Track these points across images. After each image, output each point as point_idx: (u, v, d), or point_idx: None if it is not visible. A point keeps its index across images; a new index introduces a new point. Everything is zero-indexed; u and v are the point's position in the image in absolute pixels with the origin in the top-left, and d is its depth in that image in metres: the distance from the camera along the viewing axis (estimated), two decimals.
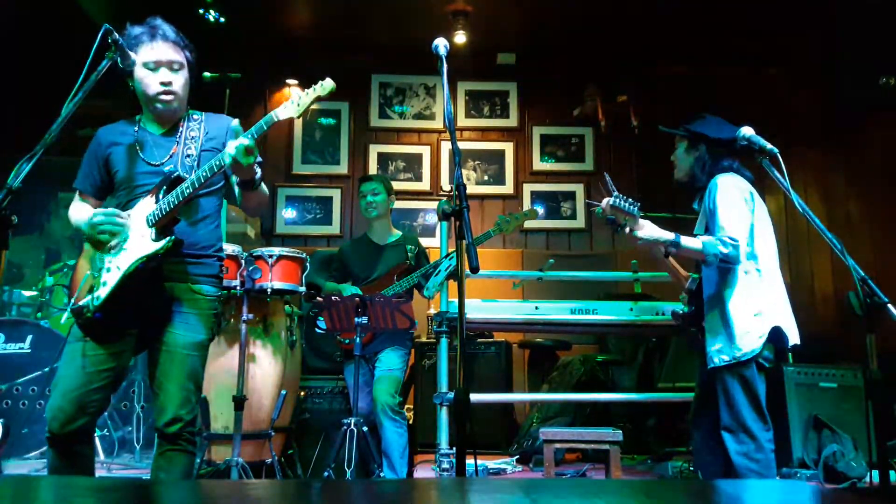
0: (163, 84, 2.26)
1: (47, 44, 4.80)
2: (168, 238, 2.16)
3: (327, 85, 2.17)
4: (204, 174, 2.16)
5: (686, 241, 2.53)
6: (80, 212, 2.34)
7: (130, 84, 2.29)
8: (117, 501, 1.33)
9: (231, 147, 2.10)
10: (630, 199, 2.52)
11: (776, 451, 2.51)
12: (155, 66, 2.26)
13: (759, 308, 2.51)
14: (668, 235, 2.54)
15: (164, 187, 2.21)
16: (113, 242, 2.19)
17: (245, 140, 2.10)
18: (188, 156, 2.30)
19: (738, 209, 2.55)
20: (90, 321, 2.15)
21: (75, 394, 2.12)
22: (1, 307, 4.41)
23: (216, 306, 2.34)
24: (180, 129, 2.35)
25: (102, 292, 2.14)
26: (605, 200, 2.56)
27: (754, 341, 2.48)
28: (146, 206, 2.22)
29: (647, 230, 2.56)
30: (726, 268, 2.55)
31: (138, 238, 2.19)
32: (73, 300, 2.19)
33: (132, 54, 2.20)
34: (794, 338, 2.57)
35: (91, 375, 2.15)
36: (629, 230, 2.54)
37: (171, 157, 2.30)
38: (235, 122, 2.22)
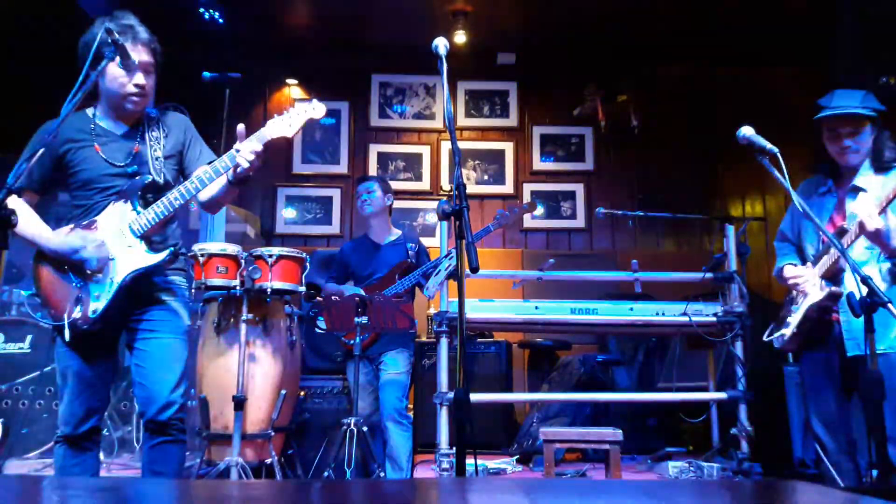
0: (137, 86, 2.26)
1: (46, 42, 4.80)
2: (169, 250, 2.24)
3: (319, 108, 2.30)
4: (195, 186, 2.21)
5: None
6: (37, 225, 2.22)
7: (95, 78, 2.12)
8: (117, 501, 1.33)
9: (245, 153, 2.17)
10: None
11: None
12: (131, 68, 2.24)
13: None
14: (891, 245, 2.42)
15: (138, 193, 2.24)
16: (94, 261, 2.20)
17: (257, 146, 2.18)
18: (156, 158, 2.31)
19: None
20: (83, 333, 2.17)
21: (82, 399, 2.22)
22: (1, 307, 4.40)
23: (189, 295, 2.48)
24: (141, 128, 2.34)
25: (98, 306, 2.18)
26: None
27: None
28: (121, 212, 2.23)
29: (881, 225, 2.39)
30: None
31: (124, 248, 2.21)
32: (64, 315, 2.16)
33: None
34: None
35: (91, 379, 2.24)
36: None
37: (133, 157, 2.29)
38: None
